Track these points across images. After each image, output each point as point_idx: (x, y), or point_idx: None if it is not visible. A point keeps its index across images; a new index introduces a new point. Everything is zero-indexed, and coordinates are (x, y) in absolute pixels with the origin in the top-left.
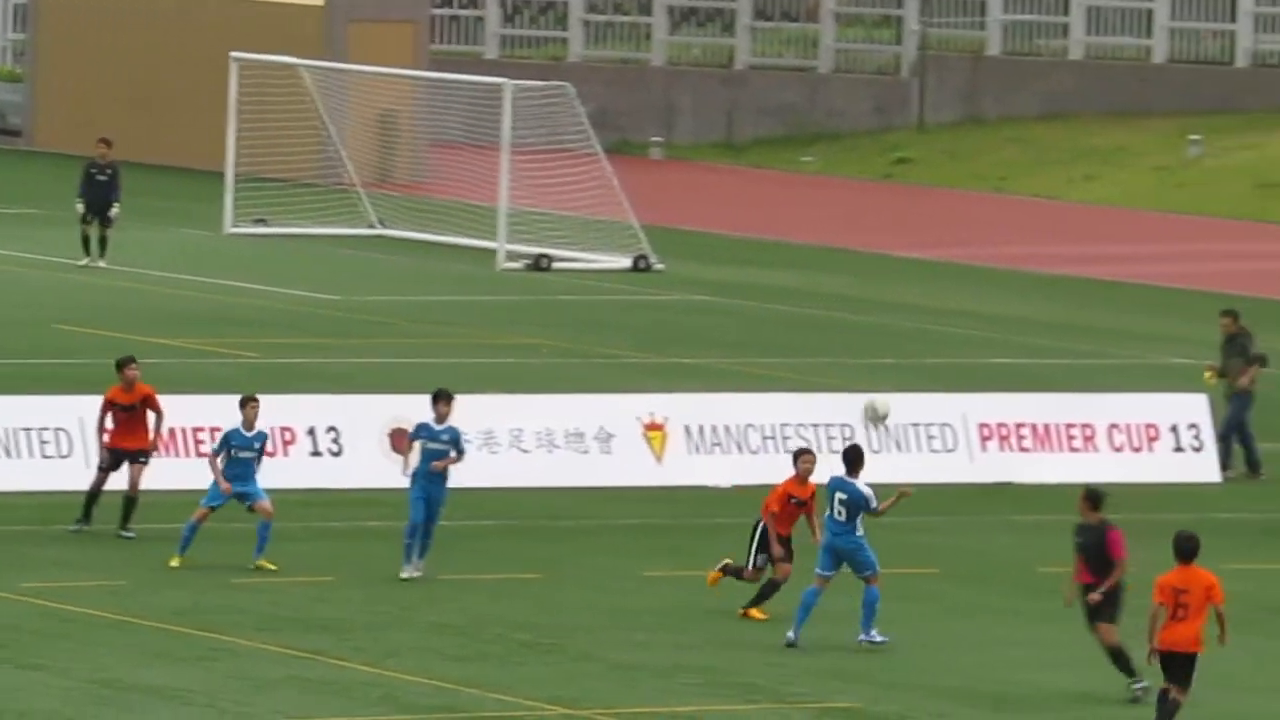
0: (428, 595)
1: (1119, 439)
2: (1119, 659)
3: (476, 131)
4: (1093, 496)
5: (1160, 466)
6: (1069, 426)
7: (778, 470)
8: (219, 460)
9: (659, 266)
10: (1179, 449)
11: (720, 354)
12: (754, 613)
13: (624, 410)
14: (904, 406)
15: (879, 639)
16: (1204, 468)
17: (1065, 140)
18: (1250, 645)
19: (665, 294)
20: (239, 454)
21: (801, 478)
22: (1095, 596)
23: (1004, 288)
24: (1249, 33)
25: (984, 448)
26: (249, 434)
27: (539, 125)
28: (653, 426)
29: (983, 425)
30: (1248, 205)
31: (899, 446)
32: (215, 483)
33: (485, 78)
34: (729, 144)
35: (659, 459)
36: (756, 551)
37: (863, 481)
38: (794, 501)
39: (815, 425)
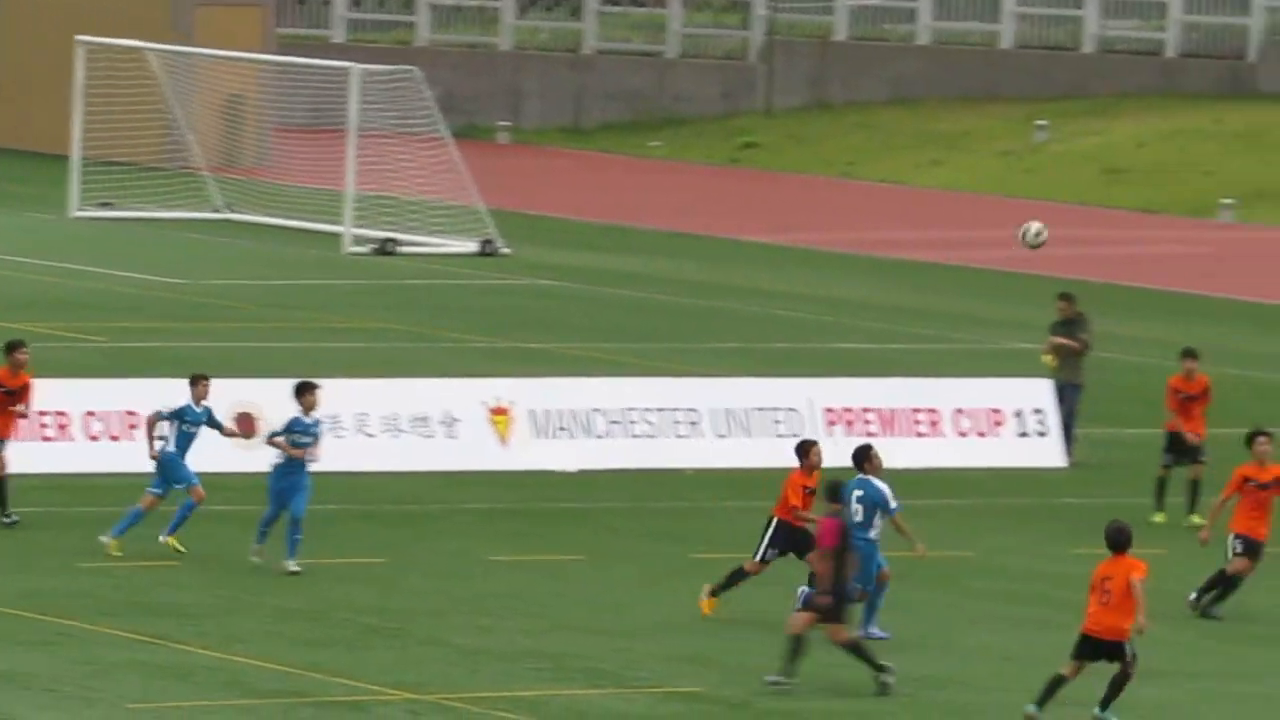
0: (273, 580)
1: (964, 424)
2: (858, 653)
3: (323, 116)
4: (828, 488)
5: (1005, 451)
6: (914, 411)
7: (623, 455)
8: (164, 426)
9: (505, 251)
10: (1024, 434)
11: (566, 338)
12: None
13: (469, 394)
14: (749, 391)
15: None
16: (1048, 452)
17: (912, 125)
18: None
19: (512, 278)
20: (189, 428)
21: (812, 468)
22: (824, 600)
23: (850, 272)
24: (1096, 18)
25: (830, 432)
26: (199, 409)
27: (386, 109)
28: (498, 411)
29: (829, 410)
30: (1094, 190)
31: (745, 431)
32: (167, 470)
33: (332, 61)
34: (576, 129)
35: (504, 443)
36: (768, 546)
37: (881, 480)
38: (809, 492)
39: (661, 410)
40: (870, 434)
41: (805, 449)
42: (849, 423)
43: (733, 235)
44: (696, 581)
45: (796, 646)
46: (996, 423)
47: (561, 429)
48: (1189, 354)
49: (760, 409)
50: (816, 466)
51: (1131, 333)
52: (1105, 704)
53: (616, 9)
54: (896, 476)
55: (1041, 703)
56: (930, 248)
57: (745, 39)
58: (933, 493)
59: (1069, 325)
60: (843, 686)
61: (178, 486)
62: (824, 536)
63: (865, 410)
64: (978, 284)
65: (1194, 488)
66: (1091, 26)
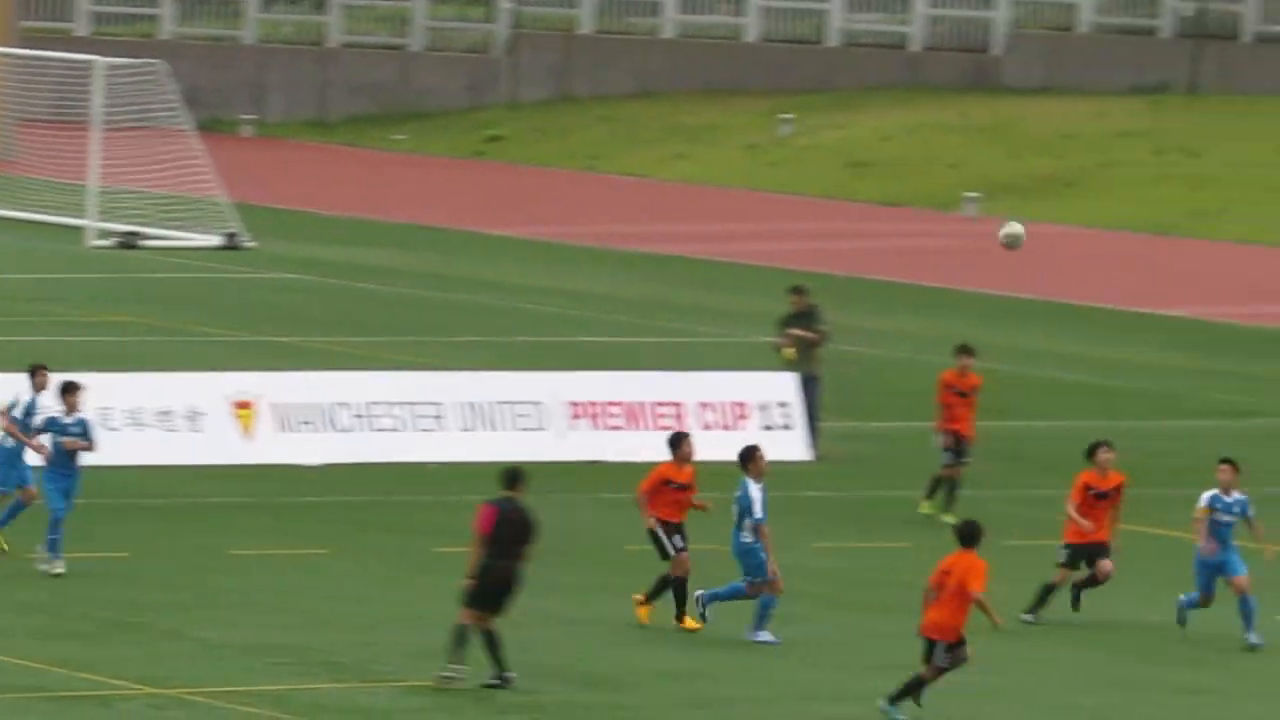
0: (15, 574)
1: (709, 417)
2: (456, 640)
3: (67, 109)
4: (504, 475)
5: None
6: (658, 405)
7: (367, 449)
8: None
9: (250, 244)
10: (768, 427)
11: (311, 332)
12: (688, 622)
13: (213, 389)
14: (493, 385)
15: (767, 639)
16: (794, 446)
17: (657, 119)
18: (841, 622)
19: (256, 272)
20: (34, 421)
21: (684, 460)
22: (466, 582)
23: (595, 266)
24: (840, 12)
25: (574, 426)
26: (31, 400)
27: (130, 103)
28: (242, 405)
29: (573, 404)
30: (838, 184)
31: (489, 425)
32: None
33: (75, 55)
34: (321, 122)
35: (248, 437)
36: (670, 542)
37: (758, 485)
38: (672, 486)
39: (405, 404)
40: (615, 428)
41: (677, 441)
42: (594, 416)
43: (478, 228)
44: (440, 575)
45: (462, 637)
46: (741, 416)
47: (306, 423)
48: (964, 350)
49: (504, 403)
50: (688, 459)
51: (876, 326)
52: (892, 698)
53: (361, 2)
54: (640, 469)
55: (902, 696)
56: (675, 241)
57: (490, 32)
58: None
59: (802, 318)
60: (589, 677)
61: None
62: (480, 522)
63: (610, 404)
64: (723, 277)
65: (951, 485)
66: (836, 20)
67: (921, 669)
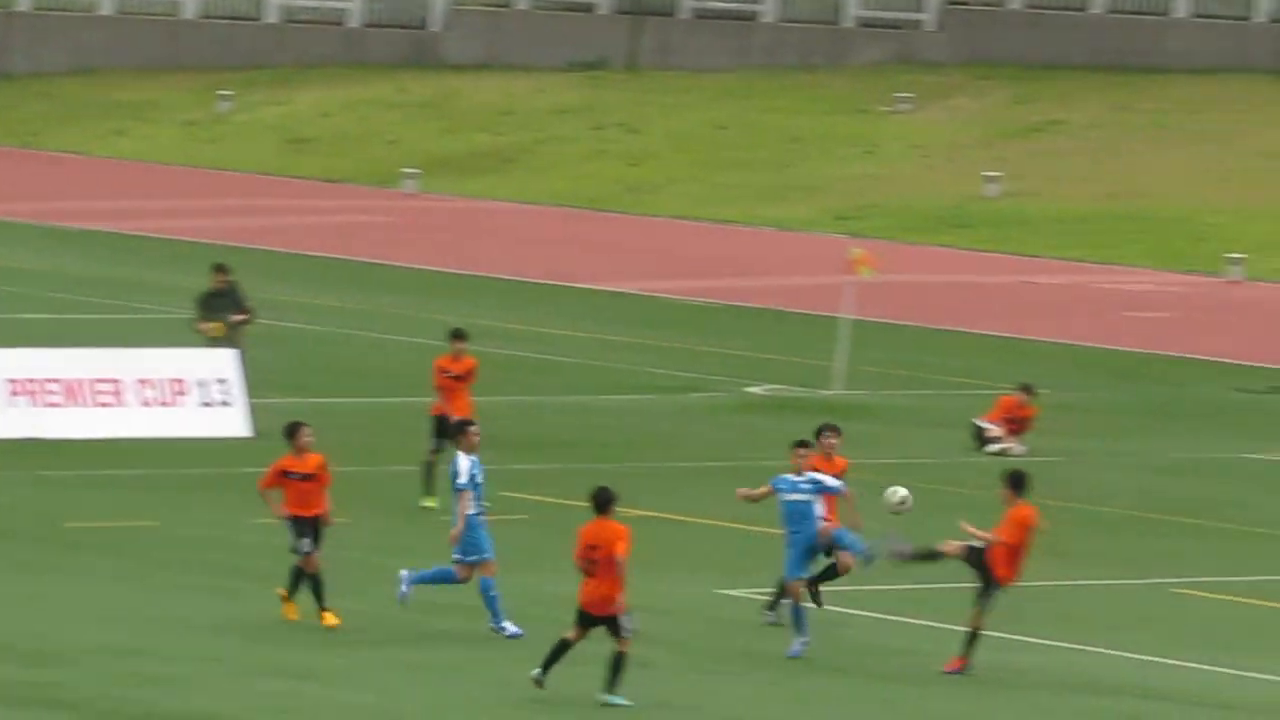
0: None
1: (148, 394)
2: None
3: None
4: None
5: (188, 421)
6: (97, 382)
7: None
8: None
9: None
10: (207, 404)
11: None
12: (327, 618)
13: None
14: None
15: (508, 629)
16: (233, 422)
17: (95, 95)
18: (275, 598)
19: None
20: None
21: (301, 451)
22: None
23: (34, 242)
24: None
25: (12, 403)
26: None
27: None
28: None
29: (12, 381)
30: (277, 160)
31: None
32: None
33: None
34: None
35: None
36: (297, 537)
37: (469, 458)
38: (294, 477)
39: None
40: (53, 404)
41: (292, 431)
42: (32, 394)
43: None
44: None
45: None
46: (180, 393)
47: None
48: (458, 335)
49: None
50: (306, 449)
51: (314, 302)
52: (609, 686)
53: None
54: (79, 446)
55: (547, 666)
56: (114, 218)
57: None
58: (117, 463)
59: (222, 296)
60: (29, 655)
61: None
62: None
63: (48, 381)
64: (161, 254)
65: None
66: None
67: (568, 633)
